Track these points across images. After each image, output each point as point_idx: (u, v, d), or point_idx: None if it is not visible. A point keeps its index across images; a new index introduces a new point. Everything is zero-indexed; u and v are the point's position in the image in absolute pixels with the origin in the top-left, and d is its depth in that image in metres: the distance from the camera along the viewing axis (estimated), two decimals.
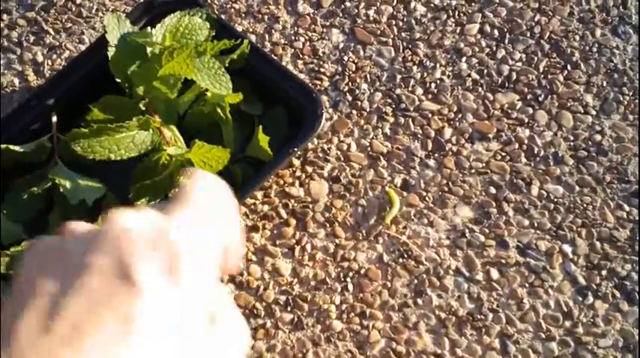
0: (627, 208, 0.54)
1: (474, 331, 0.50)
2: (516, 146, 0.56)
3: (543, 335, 0.50)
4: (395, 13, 0.63)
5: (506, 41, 0.61)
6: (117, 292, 0.26)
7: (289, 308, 0.51)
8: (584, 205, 0.54)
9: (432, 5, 0.63)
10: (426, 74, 0.60)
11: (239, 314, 0.29)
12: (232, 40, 0.50)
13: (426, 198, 0.55)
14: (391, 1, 0.63)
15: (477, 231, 0.53)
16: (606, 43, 0.61)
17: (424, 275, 0.52)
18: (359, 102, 0.58)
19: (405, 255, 0.52)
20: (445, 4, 0.63)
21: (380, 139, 0.57)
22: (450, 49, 0.61)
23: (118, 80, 0.50)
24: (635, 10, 0.62)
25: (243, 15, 0.63)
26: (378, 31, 0.62)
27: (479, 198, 0.55)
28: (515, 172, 0.55)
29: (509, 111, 0.58)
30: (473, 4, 0.63)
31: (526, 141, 0.57)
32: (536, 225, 0.53)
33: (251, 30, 0.62)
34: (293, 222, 0.54)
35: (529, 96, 0.58)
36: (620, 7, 0.62)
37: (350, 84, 0.59)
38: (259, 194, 0.55)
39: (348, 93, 0.59)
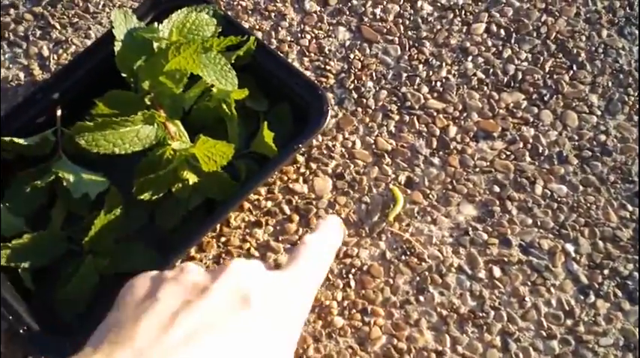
0: (630, 208, 0.54)
1: (475, 328, 0.50)
2: (521, 145, 0.56)
3: (544, 334, 0.50)
4: (402, 11, 0.63)
5: (513, 41, 0.61)
6: (237, 309, 0.35)
7: None
8: (588, 205, 0.54)
9: (439, 4, 0.63)
10: (431, 73, 0.60)
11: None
12: (239, 37, 0.50)
13: (430, 196, 0.55)
14: (398, 0, 0.63)
15: (480, 229, 0.53)
16: (612, 44, 0.61)
17: (426, 273, 0.52)
18: (364, 100, 0.59)
19: (408, 253, 0.53)
20: (452, 3, 0.63)
21: (385, 137, 0.57)
22: (456, 47, 0.61)
23: (124, 75, 0.50)
24: None
25: (250, 12, 0.63)
26: (385, 30, 0.62)
27: (483, 196, 0.55)
28: (519, 171, 0.55)
29: (515, 110, 0.58)
30: (479, 3, 0.63)
31: (531, 141, 0.57)
32: (539, 223, 0.53)
33: (257, 27, 0.62)
34: (296, 218, 0.54)
35: (534, 96, 0.58)
36: (627, 8, 0.62)
37: (356, 81, 0.59)
38: (263, 190, 0.55)
39: (353, 91, 0.59)
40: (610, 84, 0.59)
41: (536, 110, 0.58)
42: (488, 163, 0.56)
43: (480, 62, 0.60)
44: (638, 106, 0.58)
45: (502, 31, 0.62)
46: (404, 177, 0.55)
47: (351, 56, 0.61)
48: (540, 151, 0.56)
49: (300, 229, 0.54)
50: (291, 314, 0.38)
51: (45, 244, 0.49)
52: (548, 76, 0.59)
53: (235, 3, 0.63)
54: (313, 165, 0.56)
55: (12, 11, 0.63)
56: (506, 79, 0.59)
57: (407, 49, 0.61)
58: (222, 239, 0.53)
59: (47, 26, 0.62)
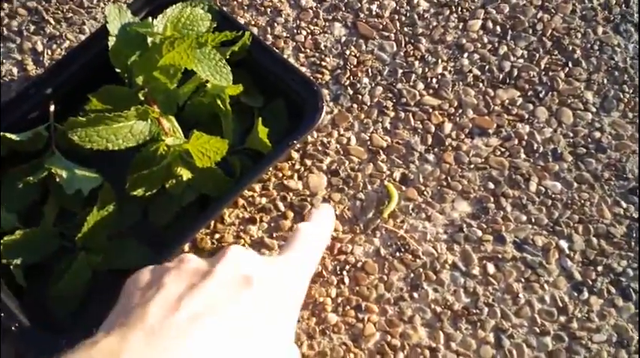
0: (624, 205, 0.54)
1: (468, 325, 0.50)
2: (516, 142, 0.56)
3: (538, 330, 0.50)
4: (398, 7, 0.63)
5: (509, 38, 0.61)
6: (240, 289, 0.37)
7: None
8: (582, 201, 0.54)
9: (435, 1, 0.63)
10: (427, 69, 0.60)
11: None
12: (234, 32, 0.50)
13: (425, 193, 0.55)
14: None
15: (474, 225, 0.53)
16: (608, 41, 0.61)
17: (421, 269, 0.52)
18: (360, 96, 0.58)
19: (402, 249, 0.53)
20: None
21: (380, 133, 0.57)
22: (452, 44, 0.61)
23: (118, 70, 0.50)
24: (637, 8, 0.62)
25: (246, 7, 0.63)
26: (381, 26, 0.62)
27: (477, 193, 0.55)
28: (514, 168, 0.55)
29: (510, 107, 0.58)
30: (476, 0, 0.63)
31: (526, 137, 0.57)
32: (533, 220, 0.53)
33: (253, 22, 0.62)
34: (291, 214, 0.54)
35: (530, 93, 0.58)
36: (623, 5, 0.62)
37: (351, 78, 0.59)
38: (257, 186, 0.55)
39: (349, 87, 0.59)
40: (605, 81, 0.59)
41: (531, 107, 0.58)
42: (483, 160, 0.56)
43: (475, 59, 0.60)
44: (633, 103, 0.58)
45: (498, 28, 0.61)
46: (399, 173, 0.55)
47: (347, 52, 0.61)
48: (535, 148, 0.56)
49: (294, 226, 0.53)
50: (289, 297, 0.40)
51: (37, 240, 0.48)
52: (543, 72, 0.59)
53: None
54: (308, 162, 0.56)
55: (5, 6, 0.63)
56: (501, 76, 0.59)
57: (403, 45, 0.61)
58: (217, 235, 0.53)
59: (41, 21, 0.62)
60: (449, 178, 0.55)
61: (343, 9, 0.63)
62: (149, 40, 0.49)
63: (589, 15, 0.62)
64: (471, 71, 0.59)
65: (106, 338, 0.32)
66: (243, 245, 0.53)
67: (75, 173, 0.48)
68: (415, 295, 0.51)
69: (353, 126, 0.57)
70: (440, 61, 0.60)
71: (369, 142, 0.57)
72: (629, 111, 0.57)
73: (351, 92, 0.59)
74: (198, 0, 0.52)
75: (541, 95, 0.58)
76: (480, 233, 0.53)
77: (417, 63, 0.60)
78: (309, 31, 0.62)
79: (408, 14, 0.62)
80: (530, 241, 0.53)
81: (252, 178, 0.50)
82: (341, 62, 0.60)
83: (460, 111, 0.58)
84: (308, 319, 0.50)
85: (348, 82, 0.59)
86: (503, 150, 0.56)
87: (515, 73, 0.59)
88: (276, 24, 0.62)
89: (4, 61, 0.60)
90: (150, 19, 0.50)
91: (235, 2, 0.63)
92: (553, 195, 0.54)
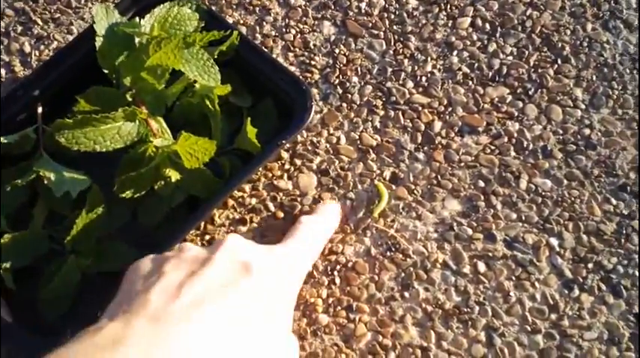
0: (614, 202, 0.54)
1: (460, 324, 0.50)
2: (506, 139, 0.56)
3: (529, 328, 0.50)
4: (387, 5, 0.63)
5: (498, 35, 0.61)
6: (239, 276, 0.38)
7: None
8: (572, 199, 0.54)
9: None
10: (416, 67, 0.60)
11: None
12: (222, 32, 0.50)
13: (415, 192, 0.55)
14: None
15: (464, 224, 0.53)
16: (597, 38, 0.61)
17: (411, 269, 0.52)
18: (349, 95, 0.58)
19: (393, 249, 0.52)
20: None
21: (370, 132, 0.57)
22: (441, 42, 0.61)
23: (106, 71, 0.49)
24: (626, 5, 0.62)
25: (234, 6, 0.63)
26: (370, 24, 0.62)
27: (467, 191, 0.55)
28: (504, 166, 0.55)
29: (499, 104, 0.58)
30: None
31: (515, 135, 0.57)
32: (523, 218, 0.53)
33: (242, 22, 0.62)
34: (281, 215, 0.54)
35: (519, 90, 0.58)
36: (612, 1, 0.62)
37: (340, 77, 0.59)
38: (247, 187, 0.55)
39: (338, 86, 0.59)
40: (594, 78, 0.59)
41: (520, 104, 0.58)
42: (472, 158, 0.56)
43: (465, 56, 0.60)
44: (622, 100, 0.58)
45: (487, 25, 0.61)
46: (389, 172, 0.55)
47: (336, 51, 0.60)
48: (525, 146, 0.56)
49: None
50: (287, 286, 0.41)
51: (26, 243, 0.48)
52: (532, 70, 0.59)
53: None
54: (298, 162, 0.56)
55: None
56: (491, 74, 0.59)
57: (392, 43, 0.61)
58: (207, 237, 0.53)
59: (29, 22, 0.62)
60: (439, 177, 0.55)
61: (332, 7, 0.62)
62: (136, 40, 0.49)
63: (578, 12, 0.62)
64: (460, 69, 0.59)
65: (109, 325, 0.33)
66: None
67: (63, 175, 0.47)
68: (406, 294, 0.51)
69: (343, 125, 0.57)
70: (429, 59, 0.60)
71: (358, 141, 0.56)
72: (619, 108, 0.57)
73: (340, 91, 0.58)
74: None
75: (530, 92, 0.58)
76: (470, 231, 0.53)
77: (406, 61, 0.60)
78: (298, 29, 0.61)
79: (397, 12, 0.62)
80: (520, 239, 0.53)
81: (242, 179, 0.50)
82: (330, 61, 0.60)
83: (450, 109, 0.58)
84: (299, 320, 0.50)
85: (337, 81, 0.59)
86: (493, 148, 0.56)
87: (505, 70, 0.59)
88: (264, 23, 0.62)
89: None
90: (137, 19, 0.50)
91: (223, 1, 0.63)
92: (543, 193, 0.54)
